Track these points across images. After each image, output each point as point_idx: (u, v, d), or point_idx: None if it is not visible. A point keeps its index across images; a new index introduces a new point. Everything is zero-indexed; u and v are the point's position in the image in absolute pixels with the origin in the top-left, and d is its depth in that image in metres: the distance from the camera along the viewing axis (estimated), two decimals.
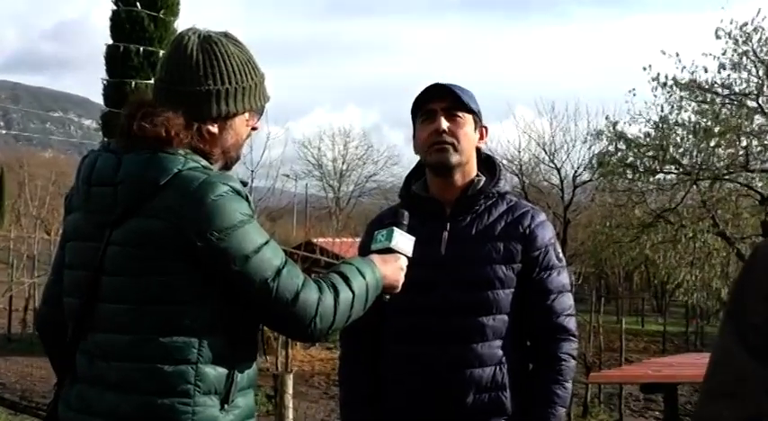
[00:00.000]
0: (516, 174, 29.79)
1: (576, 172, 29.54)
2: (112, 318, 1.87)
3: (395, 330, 2.52)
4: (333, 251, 21.61)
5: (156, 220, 1.83)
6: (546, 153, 30.41)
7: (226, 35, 2.01)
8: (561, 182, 29.87)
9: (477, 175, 2.57)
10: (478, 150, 2.59)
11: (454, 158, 2.49)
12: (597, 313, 15.48)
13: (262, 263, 1.85)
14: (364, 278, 2.02)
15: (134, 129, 1.89)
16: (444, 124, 2.48)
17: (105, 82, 14.39)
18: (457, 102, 2.49)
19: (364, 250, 2.38)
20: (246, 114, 2.02)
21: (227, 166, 2.05)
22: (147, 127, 1.88)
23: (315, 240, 22.57)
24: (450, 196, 2.54)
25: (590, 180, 27.36)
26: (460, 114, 2.50)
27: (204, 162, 1.92)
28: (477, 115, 2.54)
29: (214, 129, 1.97)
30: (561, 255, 2.56)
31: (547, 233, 2.52)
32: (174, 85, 1.95)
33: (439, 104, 2.50)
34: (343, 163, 45.39)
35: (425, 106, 2.52)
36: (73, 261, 1.99)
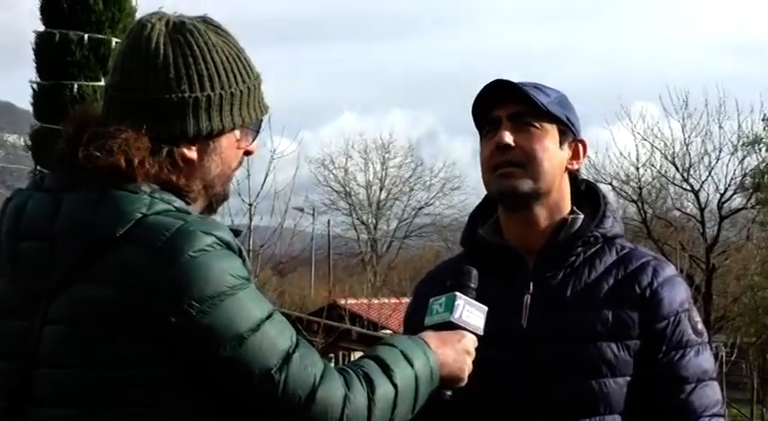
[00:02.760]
0: (634, 201, 29.63)
1: (722, 197, 29.31)
2: None
3: None
4: (368, 317, 21.63)
5: (111, 288, 1.85)
6: (677, 169, 30.22)
7: (204, 20, 2.05)
8: (701, 211, 29.62)
9: (573, 212, 2.58)
10: (573, 176, 2.60)
11: (525, 185, 2.48)
12: (761, 404, 15.28)
13: (262, 345, 1.87)
14: (412, 366, 2.03)
15: (79, 158, 1.93)
16: (508, 137, 2.47)
17: (35, 85, 14.43)
18: (529, 104, 2.48)
19: (413, 323, 2.39)
20: (237, 132, 2.06)
21: (212, 208, 2.09)
22: (98, 155, 1.91)
23: (342, 302, 22.62)
24: (532, 243, 2.54)
25: (743, 208, 27.12)
26: (536, 123, 2.49)
27: (178, 202, 1.95)
28: (566, 125, 2.54)
29: (192, 153, 2.01)
30: (700, 326, 2.54)
31: (677, 295, 2.52)
32: (133, 93, 1.98)
33: (504, 110, 2.50)
34: (381, 189, 45.52)
35: (488, 114, 2.53)
36: None
